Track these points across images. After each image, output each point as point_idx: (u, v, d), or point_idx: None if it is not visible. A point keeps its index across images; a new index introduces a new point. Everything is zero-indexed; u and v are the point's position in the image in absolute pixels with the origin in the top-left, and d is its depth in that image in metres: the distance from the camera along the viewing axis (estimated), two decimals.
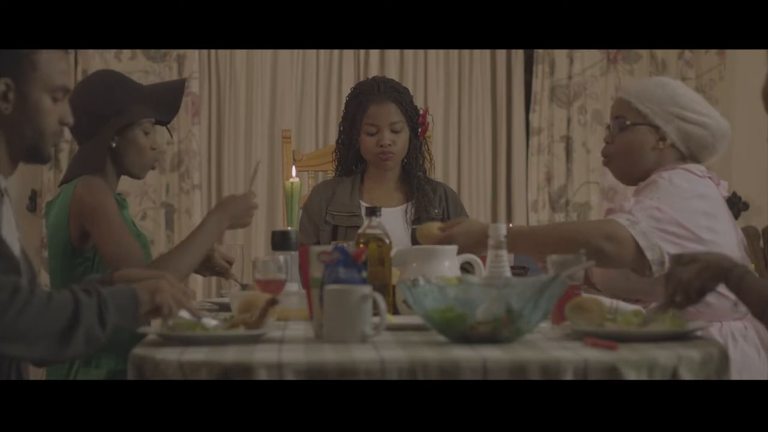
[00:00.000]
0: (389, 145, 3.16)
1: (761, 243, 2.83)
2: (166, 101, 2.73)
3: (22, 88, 1.95)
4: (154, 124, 2.76)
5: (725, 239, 2.51)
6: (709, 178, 2.60)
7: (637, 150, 2.61)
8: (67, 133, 2.22)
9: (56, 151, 4.80)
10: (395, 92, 3.21)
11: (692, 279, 1.98)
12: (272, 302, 1.95)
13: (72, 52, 4.78)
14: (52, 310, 1.78)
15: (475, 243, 2.46)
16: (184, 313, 1.95)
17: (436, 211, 3.18)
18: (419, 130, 3.24)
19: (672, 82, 2.69)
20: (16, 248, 1.93)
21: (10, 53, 1.94)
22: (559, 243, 2.42)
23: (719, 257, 2.03)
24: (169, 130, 2.98)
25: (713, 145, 2.62)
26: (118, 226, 2.58)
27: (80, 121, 2.63)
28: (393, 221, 3.07)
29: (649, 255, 2.41)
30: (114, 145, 2.67)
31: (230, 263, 2.76)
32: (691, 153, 2.62)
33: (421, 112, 3.26)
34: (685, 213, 2.47)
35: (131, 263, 2.47)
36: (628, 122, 2.61)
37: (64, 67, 2.01)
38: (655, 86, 2.65)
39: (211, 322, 1.94)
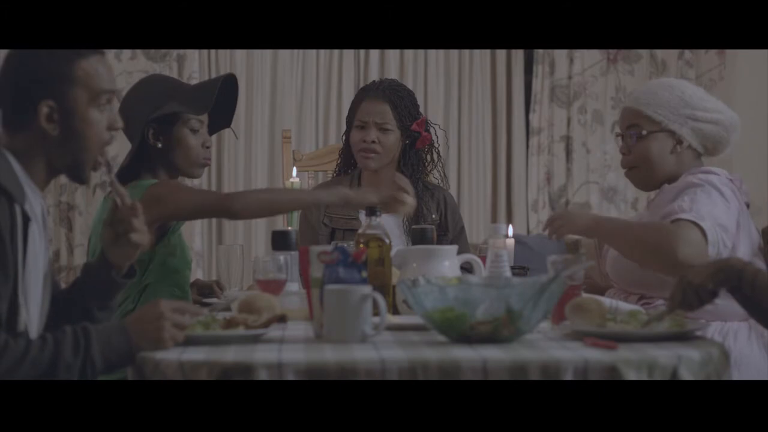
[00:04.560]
0: (372, 142, 3.13)
1: (761, 243, 2.83)
2: (201, 95, 2.70)
3: (66, 107, 1.89)
4: (217, 127, 2.79)
5: (742, 244, 2.55)
6: (731, 180, 2.62)
7: (657, 157, 2.66)
8: None
9: None
10: (393, 93, 3.17)
11: (705, 282, 1.97)
12: (282, 319, 1.96)
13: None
14: (25, 367, 1.75)
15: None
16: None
17: (434, 216, 3.17)
18: (417, 139, 3.19)
19: (678, 83, 2.71)
20: (38, 278, 1.89)
21: (48, 73, 1.89)
22: (636, 242, 2.50)
23: (729, 258, 2.03)
24: (234, 132, 2.97)
25: (727, 138, 2.68)
26: (188, 188, 2.65)
27: (126, 125, 2.65)
28: (389, 226, 3.04)
29: (711, 251, 2.44)
30: (160, 145, 2.67)
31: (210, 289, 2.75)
32: (707, 150, 2.68)
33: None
34: (727, 216, 2.52)
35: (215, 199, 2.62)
36: (644, 132, 2.65)
37: (106, 73, 1.94)
38: (663, 90, 2.67)
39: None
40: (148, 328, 1.84)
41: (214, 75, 5.00)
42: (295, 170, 3.15)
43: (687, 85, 2.72)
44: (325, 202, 2.77)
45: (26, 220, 1.85)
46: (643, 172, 2.69)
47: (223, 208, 2.60)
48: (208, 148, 2.74)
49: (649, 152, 2.65)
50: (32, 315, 1.88)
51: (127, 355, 1.82)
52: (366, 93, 3.19)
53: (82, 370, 1.79)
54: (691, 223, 2.45)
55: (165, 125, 2.67)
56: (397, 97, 3.16)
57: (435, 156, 3.25)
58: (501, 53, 5.24)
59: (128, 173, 2.66)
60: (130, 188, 2.62)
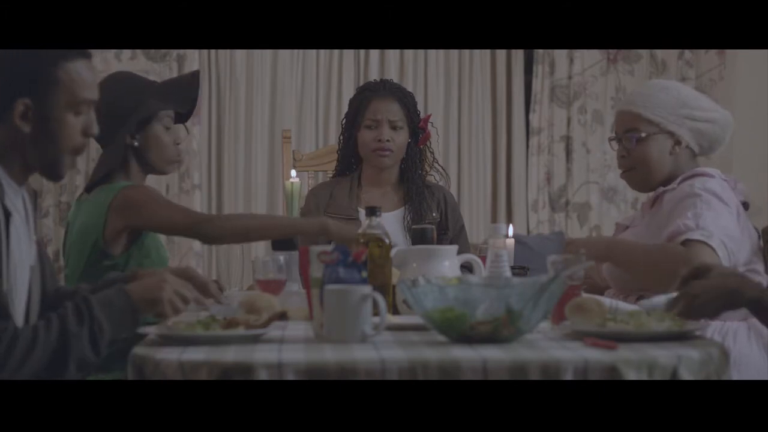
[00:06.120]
0: (387, 141, 3.14)
1: (761, 243, 2.84)
2: (181, 93, 2.72)
3: (42, 108, 1.89)
4: (175, 120, 2.76)
5: (743, 245, 2.55)
6: (725, 180, 2.63)
7: (656, 159, 2.68)
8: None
9: None
10: (399, 92, 3.21)
11: (718, 308, 1.96)
12: (282, 316, 1.96)
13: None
14: (38, 350, 1.78)
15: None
16: (191, 308, 1.96)
17: (434, 214, 3.17)
18: (420, 136, 3.21)
19: (672, 84, 2.74)
20: (24, 270, 1.91)
21: (31, 71, 1.89)
22: (648, 267, 2.49)
23: (746, 285, 1.97)
24: (186, 128, 2.98)
25: (722, 137, 2.71)
26: (165, 202, 2.62)
27: (100, 125, 2.64)
28: (390, 225, 3.05)
29: (726, 264, 2.43)
30: (136, 144, 2.67)
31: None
32: (702, 149, 2.70)
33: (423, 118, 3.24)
34: (732, 222, 2.53)
35: (188, 219, 2.56)
36: (643, 134, 2.67)
37: (89, 79, 1.94)
38: (659, 92, 2.69)
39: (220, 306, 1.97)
40: (149, 287, 1.89)
41: (214, 75, 5.02)
42: (294, 172, 3.15)
43: (680, 85, 2.76)
44: (305, 231, 2.69)
45: (7, 214, 1.86)
46: (642, 174, 2.70)
47: (197, 231, 2.58)
48: (178, 145, 2.75)
49: (648, 154, 2.67)
50: (17, 306, 1.90)
51: (132, 315, 1.87)
52: (374, 93, 3.19)
53: (92, 337, 1.82)
54: (701, 243, 2.44)
55: (140, 123, 2.66)
56: (404, 95, 3.20)
57: (429, 154, 3.26)
58: (501, 53, 5.24)
59: (99, 175, 2.66)
60: (101, 190, 2.61)
